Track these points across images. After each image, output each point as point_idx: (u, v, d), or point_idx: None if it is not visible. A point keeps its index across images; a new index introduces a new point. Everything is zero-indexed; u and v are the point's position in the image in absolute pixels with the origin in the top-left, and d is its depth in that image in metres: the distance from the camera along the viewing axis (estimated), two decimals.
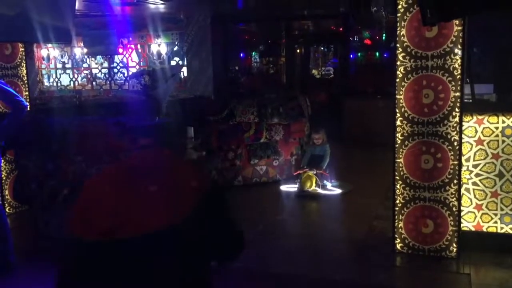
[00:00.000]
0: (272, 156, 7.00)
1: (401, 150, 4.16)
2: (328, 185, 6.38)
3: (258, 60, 12.83)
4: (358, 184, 6.54)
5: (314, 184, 6.21)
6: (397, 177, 4.21)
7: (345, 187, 6.41)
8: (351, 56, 11.30)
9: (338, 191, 6.33)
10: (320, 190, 6.24)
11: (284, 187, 6.66)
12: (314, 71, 12.93)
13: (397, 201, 4.25)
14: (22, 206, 6.06)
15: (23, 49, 6.26)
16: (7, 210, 6.04)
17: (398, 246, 4.29)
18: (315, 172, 6.27)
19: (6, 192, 6.06)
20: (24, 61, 6.28)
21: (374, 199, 5.80)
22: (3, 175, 6.04)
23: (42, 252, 4.62)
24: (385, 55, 11.22)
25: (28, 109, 6.11)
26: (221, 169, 6.70)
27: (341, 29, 11.10)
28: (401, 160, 4.18)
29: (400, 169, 4.19)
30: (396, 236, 4.28)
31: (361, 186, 6.48)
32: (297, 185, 6.39)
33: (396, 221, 4.27)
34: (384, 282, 3.83)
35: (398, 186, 4.23)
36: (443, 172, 4.06)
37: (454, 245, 4.10)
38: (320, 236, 4.97)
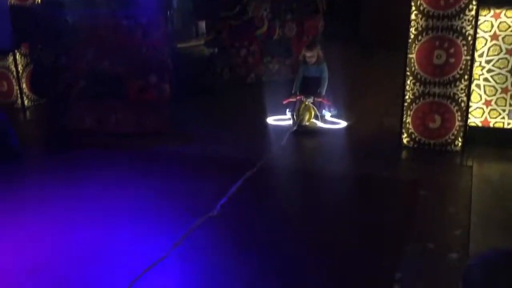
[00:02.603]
0: (285, 54, 6.94)
1: (414, 45, 4.11)
2: (327, 115, 5.13)
3: None
4: (372, 85, 6.47)
5: (312, 116, 5.00)
6: (408, 73, 4.20)
7: (349, 117, 5.17)
8: None
9: (341, 123, 5.10)
10: (319, 123, 5.03)
11: (271, 120, 5.27)
12: None
13: (407, 97, 4.27)
14: (39, 99, 6.21)
15: None
16: (25, 103, 6.23)
17: (405, 141, 4.39)
18: (312, 101, 4.99)
19: (24, 86, 6.20)
20: None
21: (387, 99, 5.80)
22: (19, 69, 6.14)
23: (57, 142, 4.84)
24: None
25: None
26: (233, 66, 6.70)
27: None
28: (413, 56, 4.13)
29: (412, 64, 4.16)
30: (403, 131, 4.37)
31: (376, 86, 6.42)
32: (289, 117, 5.11)
33: (404, 116, 4.33)
34: (389, 175, 3.95)
35: (408, 82, 4.23)
36: (454, 68, 4.03)
37: (460, 139, 4.18)
38: (330, 137, 4.94)
